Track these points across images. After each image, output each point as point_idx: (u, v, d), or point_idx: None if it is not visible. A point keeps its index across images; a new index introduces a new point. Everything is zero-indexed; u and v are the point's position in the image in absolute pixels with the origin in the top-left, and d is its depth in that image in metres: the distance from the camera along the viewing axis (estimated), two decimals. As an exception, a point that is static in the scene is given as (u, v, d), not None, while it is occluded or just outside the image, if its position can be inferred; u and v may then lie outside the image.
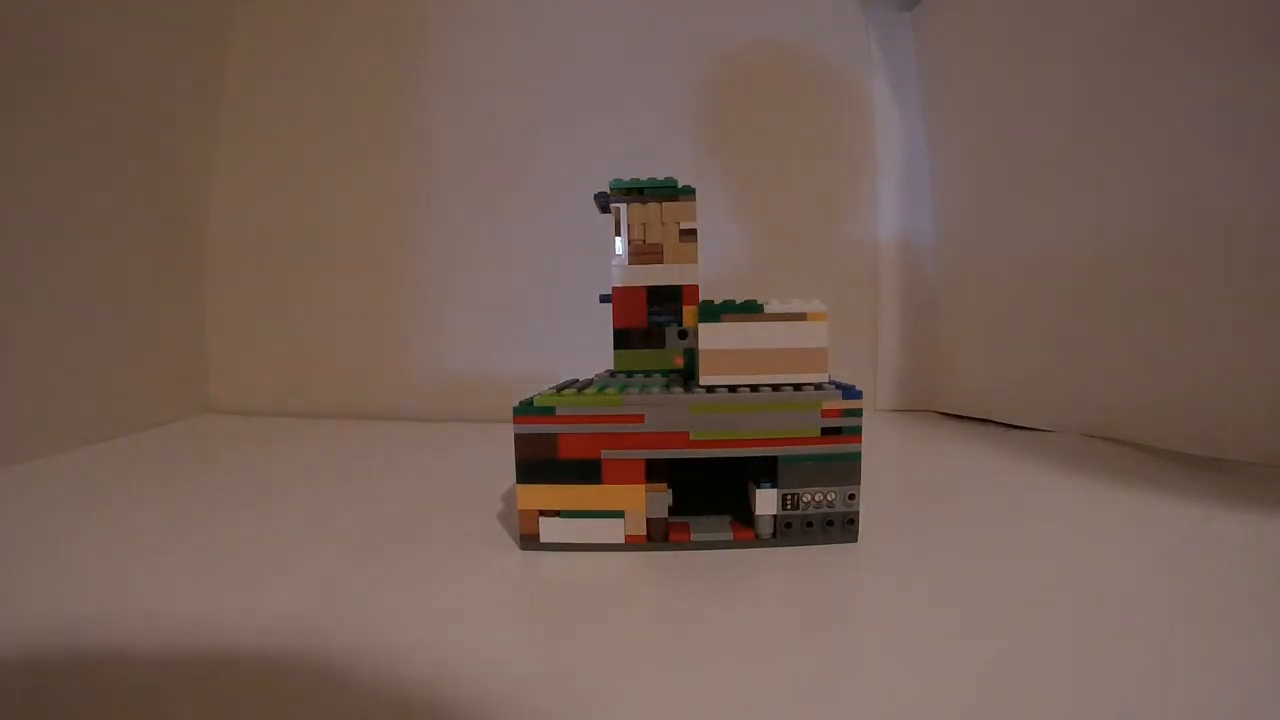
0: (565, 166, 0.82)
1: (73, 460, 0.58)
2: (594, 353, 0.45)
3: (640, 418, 0.33)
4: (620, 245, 0.40)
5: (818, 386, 0.33)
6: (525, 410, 0.33)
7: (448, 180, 0.85)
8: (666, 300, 0.40)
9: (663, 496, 0.33)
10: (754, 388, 0.33)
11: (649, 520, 0.33)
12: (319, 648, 0.24)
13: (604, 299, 0.43)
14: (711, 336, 0.34)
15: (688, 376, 0.39)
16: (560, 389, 0.38)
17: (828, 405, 0.33)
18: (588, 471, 0.33)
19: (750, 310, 0.34)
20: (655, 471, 0.33)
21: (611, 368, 0.44)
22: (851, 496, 0.33)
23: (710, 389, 0.34)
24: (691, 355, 0.39)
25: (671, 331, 0.40)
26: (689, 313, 0.39)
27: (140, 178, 0.74)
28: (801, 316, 0.34)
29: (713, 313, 0.34)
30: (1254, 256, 0.46)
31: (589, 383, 0.39)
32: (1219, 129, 0.47)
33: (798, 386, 0.33)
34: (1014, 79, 0.67)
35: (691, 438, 0.33)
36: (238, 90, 0.87)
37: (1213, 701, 0.20)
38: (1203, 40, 0.48)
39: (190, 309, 0.83)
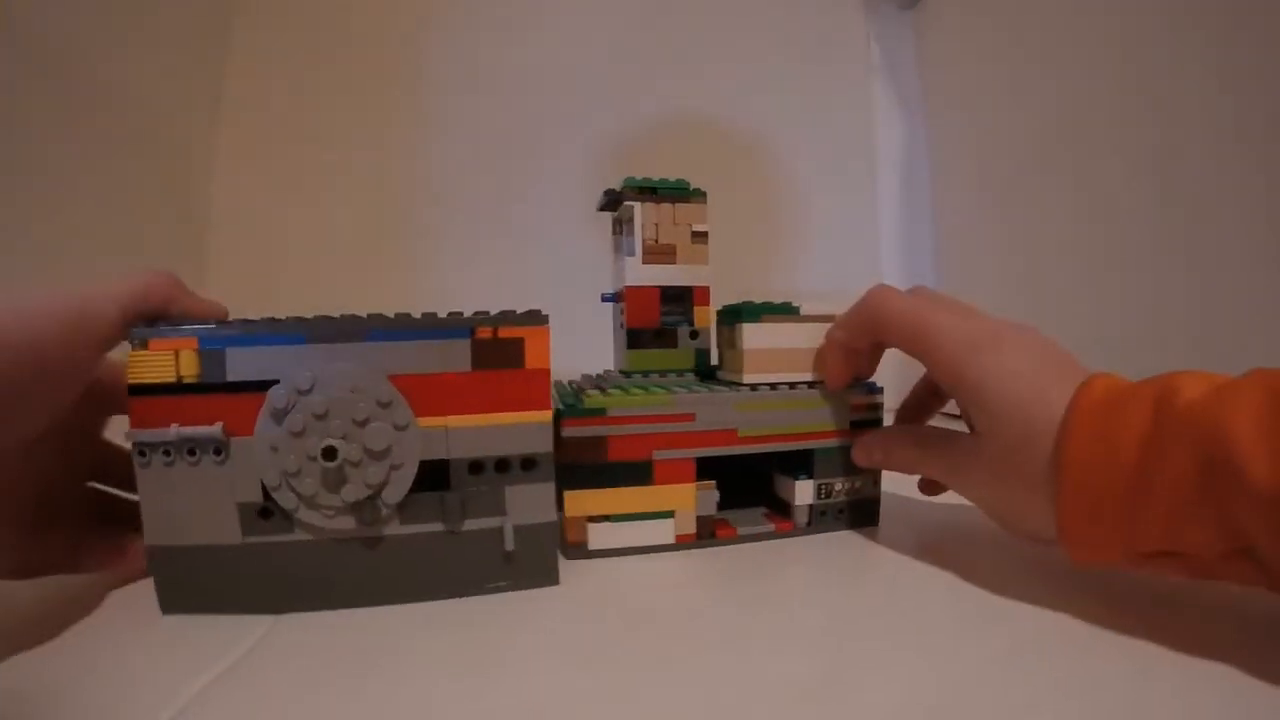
0: (564, 168, 0.81)
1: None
2: (595, 352, 0.44)
3: (691, 416, 0.33)
4: (630, 244, 0.39)
5: (844, 383, 0.36)
6: (574, 412, 0.32)
7: (449, 180, 0.82)
8: (677, 300, 0.40)
9: (711, 494, 0.34)
10: (791, 385, 0.35)
11: (699, 518, 0.34)
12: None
13: (606, 298, 0.42)
14: (754, 336, 0.35)
15: (702, 375, 0.40)
16: (581, 390, 0.36)
17: (856, 400, 0.36)
18: (639, 473, 0.33)
19: (787, 312, 0.36)
20: (702, 469, 0.34)
21: (612, 367, 0.43)
22: (874, 483, 0.36)
23: (754, 387, 0.35)
24: (703, 355, 0.40)
25: (683, 332, 0.40)
26: (700, 313, 0.40)
27: (141, 179, 0.71)
28: (831, 318, 0.36)
29: (755, 313, 0.35)
30: (1253, 254, 0.46)
31: (601, 384, 0.38)
32: (1218, 126, 0.48)
33: (828, 383, 0.36)
34: (1014, 78, 0.68)
35: (740, 434, 0.34)
36: (238, 91, 0.81)
37: (1208, 699, 0.20)
38: (1201, 39, 0.49)
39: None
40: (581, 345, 0.58)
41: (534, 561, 0.29)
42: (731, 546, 0.34)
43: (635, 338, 0.40)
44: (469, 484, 0.28)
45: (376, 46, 0.83)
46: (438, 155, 0.82)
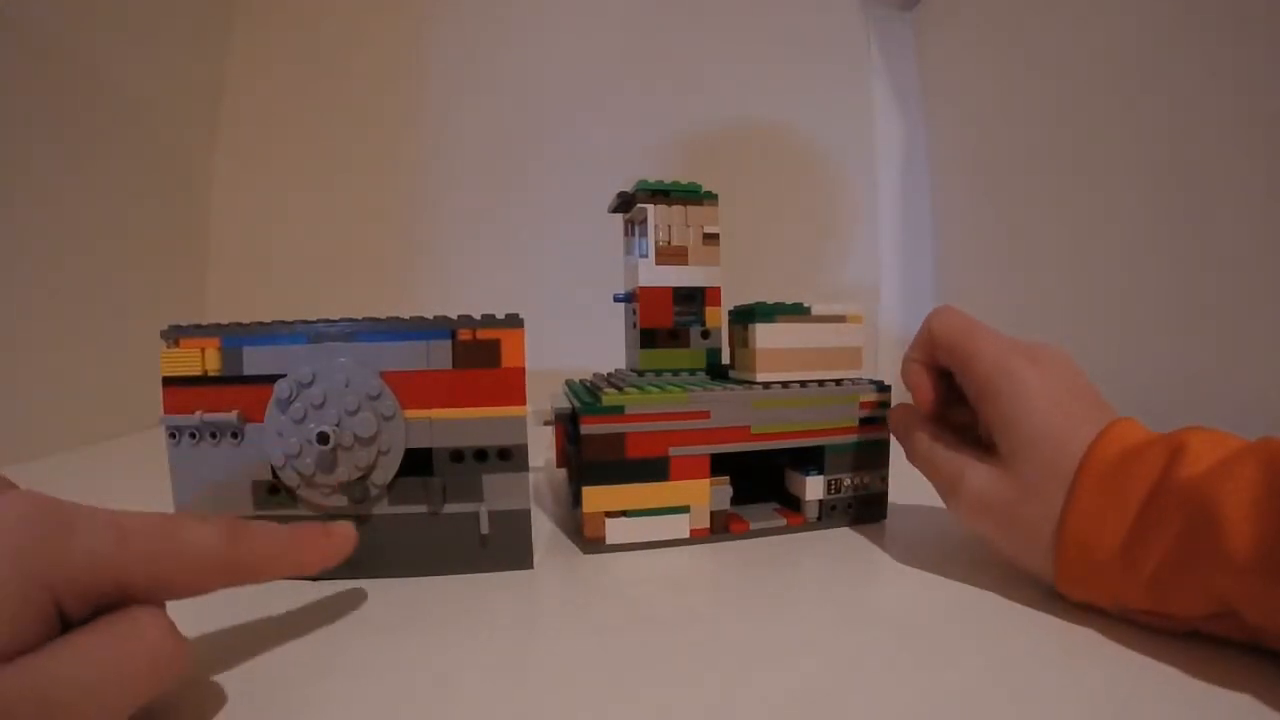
0: (563, 169, 0.82)
1: (75, 459, 0.57)
2: (599, 351, 0.45)
3: (707, 414, 0.34)
4: (643, 246, 0.40)
5: (854, 382, 0.37)
6: (593, 410, 0.33)
7: (450, 180, 0.83)
8: (689, 301, 0.41)
9: (725, 489, 0.35)
10: (803, 383, 0.36)
11: (713, 513, 0.34)
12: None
13: (618, 298, 0.43)
14: (768, 336, 0.36)
15: (714, 374, 0.40)
16: (597, 389, 0.37)
17: (865, 398, 0.37)
18: (655, 469, 0.33)
19: (798, 312, 0.36)
20: (715, 465, 0.35)
21: (623, 366, 0.44)
22: (883, 479, 0.37)
23: (766, 385, 0.35)
24: (714, 354, 0.41)
25: (695, 331, 0.41)
26: (711, 314, 0.41)
27: (142, 180, 0.73)
28: (841, 318, 0.37)
29: (768, 314, 0.36)
30: (1253, 254, 0.46)
31: (616, 382, 0.39)
32: (1218, 124, 0.47)
33: (838, 382, 0.37)
34: (1013, 79, 0.68)
35: (753, 431, 0.35)
36: (238, 91, 0.83)
37: (1215, 702, 0.20)
38: (1201, 37, 0.49)
39: (191, 310, 0.81)
40: (583, 345, 0.59)
41: (509, 546, 0.31)
42: (744, 540, 0.35)
43: (648, 337, 0.40)
44: (450, 471, 0.30)
45: (378, 46, 0.84)
46: (440, 155, 0.83)
